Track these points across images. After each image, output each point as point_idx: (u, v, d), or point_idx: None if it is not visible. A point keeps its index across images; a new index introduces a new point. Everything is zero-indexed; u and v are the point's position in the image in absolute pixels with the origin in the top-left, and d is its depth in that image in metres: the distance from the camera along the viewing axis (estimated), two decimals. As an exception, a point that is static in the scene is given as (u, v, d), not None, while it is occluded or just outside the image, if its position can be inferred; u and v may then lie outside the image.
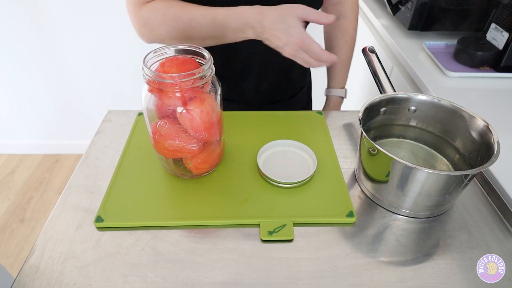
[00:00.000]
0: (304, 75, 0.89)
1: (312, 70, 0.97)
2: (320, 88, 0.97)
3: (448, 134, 0.61)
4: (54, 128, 1.95)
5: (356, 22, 0.84)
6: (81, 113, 1.89)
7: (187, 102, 0.51)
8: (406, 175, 0.50)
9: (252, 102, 0.83)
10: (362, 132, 0.53)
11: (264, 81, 0.81)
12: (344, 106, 1.54)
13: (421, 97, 0.61)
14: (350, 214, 0.53)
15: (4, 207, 1.72)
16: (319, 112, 0.75)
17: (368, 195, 0.57)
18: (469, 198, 0.57)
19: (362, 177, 0.58)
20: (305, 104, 0.95)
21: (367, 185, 0.57)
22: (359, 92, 1.33)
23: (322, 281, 0.46)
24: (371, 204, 0.56)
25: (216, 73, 0.53)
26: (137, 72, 1.70)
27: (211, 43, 0.65)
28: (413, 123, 0.63)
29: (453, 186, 0.50)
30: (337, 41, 0.85)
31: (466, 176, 0.50)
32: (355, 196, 0.57)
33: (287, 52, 0.59)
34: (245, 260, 0.48)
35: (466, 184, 0.52)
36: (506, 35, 0.83)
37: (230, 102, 0.82)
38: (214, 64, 0.52)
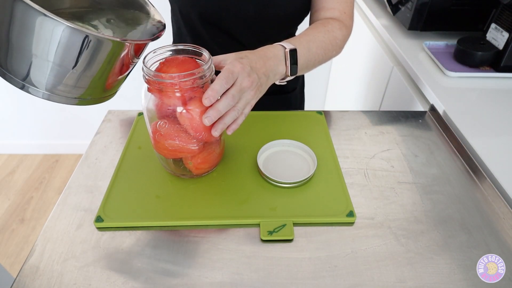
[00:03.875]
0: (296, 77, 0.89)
1: (309, 73, 0.97)
2: (315, 88, 0.97)
3: None
4: (54, 128, 1.95)
5: (342, 34, 0.70)
6: (81, 113, 1.89)
7: (187, 102, 0.51)
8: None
9: None
10: None
11: None
12: (344, 106, 1.54)
13: None
14: (350, 214, 0.53)
15: (4, 207, 1.71)
16: (319, 112, 0.75)
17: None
18: (469, 198, 0.57)
19: None
20: (298, 102, 0.96)
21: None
22: (358, 93, 1.33)
23: (322, 281, 0.46)
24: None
25: None
26: (137, 72, 1.70)
27: None
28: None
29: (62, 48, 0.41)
30: (316, 24, 0.71)
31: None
32: (355, 196, 0.57)
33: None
34: (245, 260, 0.48)
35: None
36: (506, 35, 0.83)
37: None
38: None
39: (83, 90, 0.47)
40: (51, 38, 0.40)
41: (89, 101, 0.49)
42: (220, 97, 0.50)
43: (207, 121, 0.50)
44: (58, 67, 0.42)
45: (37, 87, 0.44)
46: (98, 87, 0.48)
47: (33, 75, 0.43)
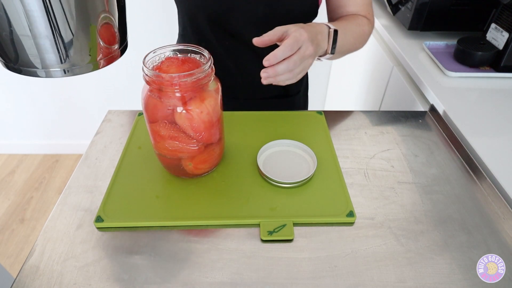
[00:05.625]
0: (300, 80, 0.89)
1: (310, 73, 0.96)
2: (315, 89, 0.97)
3: None
4: (54, 128, 1.95)
5: (368, 29, 0.75)
6: (81, 113, 1.89)
7: (187, 102, 0.51)
8: None
9: (242, 97, 0.84)
10: None
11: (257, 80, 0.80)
12: (344, 106, 1.54)
13: None
14: (350, 214, 0.53)
15: (4, 207, 1.71)
16: (319, 112, 0.75)
17: None
18: (469, 198, 0.57)
19: None
20: (302, 105, 0.95)
21: None
22: (358, 93, 1.33)
23: (322, 281, 0.46)
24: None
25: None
26: (137, 72, 1.70)
27: None
28: None
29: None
30: (347, 17, 0.75)
31: None
32: (355, 196, 0.57)
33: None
34: (245, 260, 0.48)
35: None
36: (506, 35, 0.83)
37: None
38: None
39: (89, 50, 0.45)
40: (17, 13, 0.38)
41: (104, 60, 0.49)
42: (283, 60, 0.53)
43: (264, 75, 0.53)
44: (47, 39, 0.41)
45: (53, 68, 0.43)
46: (102, 40, 0.46)
47: (41, 58, 0.42)
